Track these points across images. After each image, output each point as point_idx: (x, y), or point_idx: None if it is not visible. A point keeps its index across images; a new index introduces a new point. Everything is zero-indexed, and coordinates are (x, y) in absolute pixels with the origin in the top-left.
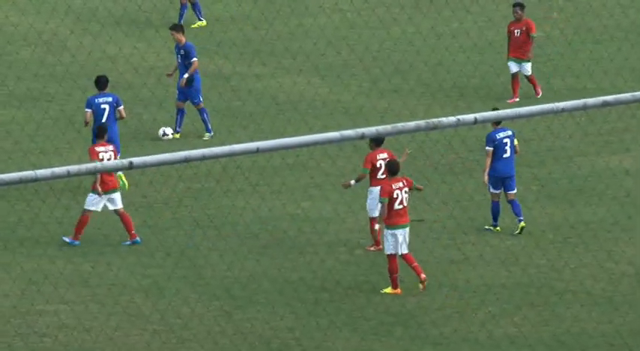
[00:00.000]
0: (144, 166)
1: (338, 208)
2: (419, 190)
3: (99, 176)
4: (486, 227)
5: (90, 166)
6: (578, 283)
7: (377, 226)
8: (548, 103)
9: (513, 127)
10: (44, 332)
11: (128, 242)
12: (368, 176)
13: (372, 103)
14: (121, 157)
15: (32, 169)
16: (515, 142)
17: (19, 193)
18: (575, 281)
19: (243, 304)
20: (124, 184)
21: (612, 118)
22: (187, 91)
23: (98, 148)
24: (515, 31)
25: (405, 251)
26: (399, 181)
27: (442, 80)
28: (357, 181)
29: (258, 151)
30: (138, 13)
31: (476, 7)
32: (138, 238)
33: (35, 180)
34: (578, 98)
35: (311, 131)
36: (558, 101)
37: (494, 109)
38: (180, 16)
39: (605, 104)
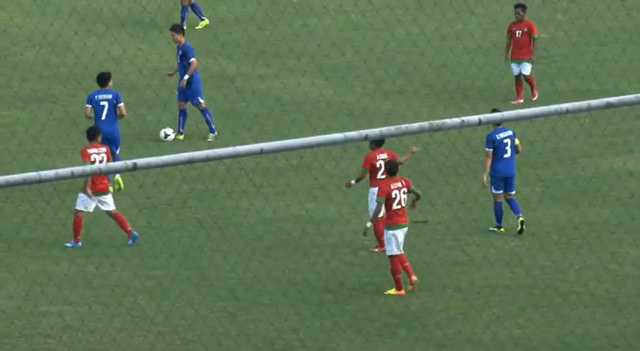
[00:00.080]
0: (148, 168)
1: (342, 209)
2: (417, 195)
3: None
4: (491, 229)
5: (94, 167)
6: (583, 284)
7: (369, 224)
8: (552, 104)
9: (517, 129)
10: (48, 333)
11: (130, 242)
12: (368, 177)
13: (376, 105)
14: (123, 157)
15: (36, 171)
16: (517, 141)
17: (23, 195)
18: (580, 282)
19: (247, 305)
20: (120, 187)
21: (616, 120)
22: (187, 92)
23: (90, 150)
24: (517, 32)
25: (401, 251)
26: (397, 182)
27: (446, 82)
28: (357, 181)
29: (262, 152)
30: (142, 14)
31: (480, 8)
32: (135, 233)
33: (39, 181)
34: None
35: (315, 132)
36: (563, 102)
37: (493, 111)
38: (182, 18)
39: (609, 106)
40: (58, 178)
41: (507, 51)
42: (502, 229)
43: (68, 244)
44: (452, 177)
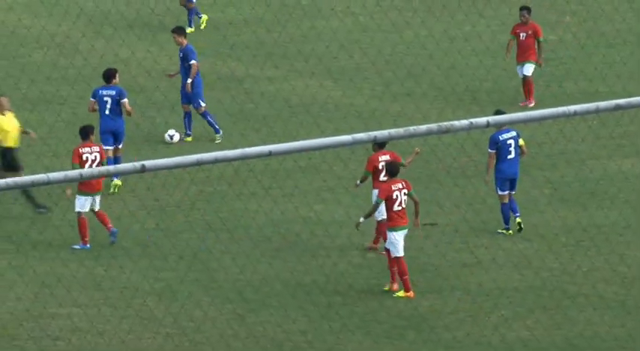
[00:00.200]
0: (156, 169)
1: (350, 211)
2: (414, 202)
3: None
4: (499, 231)
5: (102, 169)
6: (591, 286)
7: (362, 219)
8: (560, 106)
9: (526, 131)
10: (57, 335)
11: (112, 238)
12: (371, 178)
13: (384, 107)
14: (132, 159)
15: (45, 172)
16: (521, 142)
17: None
18: (588, 285)
19: (256, 307)
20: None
21: (624, 122)
22: (189, 95)
23: (83, 150)
24: (521, 34)
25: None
26: (398, 183)
27: (455, 84)
28: (361, 181)
29: (270, 154)
30: (151, 16)
31: (489, 10)
32: (114, 228)
33: (47, 183)
34: (591, 102)
35: (323, 134)
36: (571, 104)
37: (496, 112)
38: (190, 21)
39: (618, 108)
40: (67, 180)
41: (508, 50)
42: (510, 231)
43: (76, 246)
44: (460, 179)
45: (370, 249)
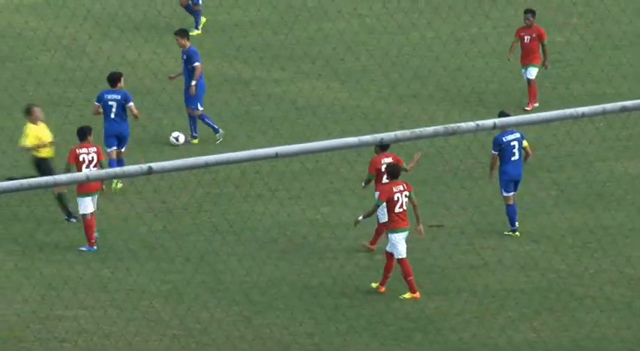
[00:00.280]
0: (163, 172)
1: (357, 213)
2: (413, 205)
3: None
4: (506, 233)
5: (110, 171)
6: (598, 288)
7: (360, 218)
8: (567, 108)
9: (532, 133)
10: (64, 337)
11: (86, 248)
12: (374, 181)
13: (391, 109)
14: (139, 162)
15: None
16: (525, 143)
17: (38, 198)
18: (595, 286)
19: (263, 309)
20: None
21: (631, 124)
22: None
23: (80, 150)
24: (525, 37)
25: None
26: (399, 185)
27: (461, 85)
28: (365, 184)
29: (277, 156)
30: (157, 18)
31: (495, 12)
32: (96, 233)
33: (54, 185)
34: (598, 103)
35: (330, 136)
36: (578, 106)
37: (500, 114)
38: (197, 22)
39: (624, 109)
40: (73, 182)
41: (511, 51)
42: (517, 233)
43: (83, 248)
44: (467, 181)
45: (363, 247)
